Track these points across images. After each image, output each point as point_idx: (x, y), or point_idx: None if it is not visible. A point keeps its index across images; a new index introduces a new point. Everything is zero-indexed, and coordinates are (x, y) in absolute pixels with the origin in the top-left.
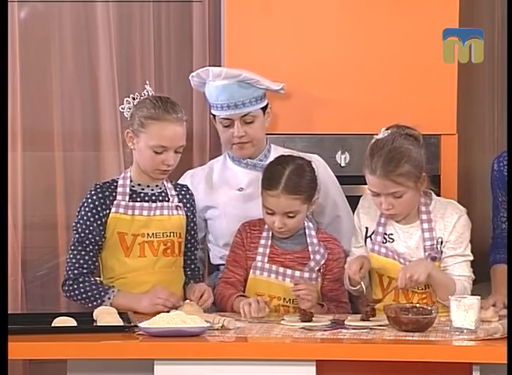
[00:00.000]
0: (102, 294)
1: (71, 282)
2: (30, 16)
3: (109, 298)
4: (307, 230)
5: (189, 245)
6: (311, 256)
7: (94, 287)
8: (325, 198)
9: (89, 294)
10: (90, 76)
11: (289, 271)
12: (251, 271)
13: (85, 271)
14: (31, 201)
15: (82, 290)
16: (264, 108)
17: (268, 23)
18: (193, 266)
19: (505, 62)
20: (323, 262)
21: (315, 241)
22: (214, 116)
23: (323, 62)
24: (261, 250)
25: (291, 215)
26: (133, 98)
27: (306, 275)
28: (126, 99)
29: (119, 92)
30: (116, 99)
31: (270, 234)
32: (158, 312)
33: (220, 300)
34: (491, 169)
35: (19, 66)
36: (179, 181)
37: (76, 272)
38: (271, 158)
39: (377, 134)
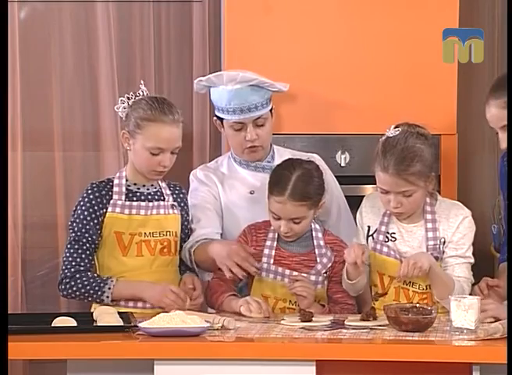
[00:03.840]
0: (102, 285)
1: (68, 280)
2: (30, 16)
3: (109, 288)
4: (313, 233)
5: (183, 244)
6: (318, 259)
7: (91, 280)
8: (329, 197)
9: (88, 287)
10: (90, 76)
11: (295, 273)
12: None
13: (82, 268)
14: (31, 201)
15: (80, 285)
16: (270, 110)
17: (268, 23)
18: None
19: (505, 62)
20: (330, 264)
21: (322, 243)
22: (221, 120)
23: (323, 62)
24: (266, 251)
25: (297, 220)
26: (128, 98)
27: (312, 278)
28: (120, 99)
29: (118, 92)
30: (116, 99)
31: (276, 236)
32: (162, 308)
33: (211, 295)
34: (499, 168)
35: (19, 66)
36: (197, 177)
37: (72, 270)
38: (277, 159)
39: (378, 134)
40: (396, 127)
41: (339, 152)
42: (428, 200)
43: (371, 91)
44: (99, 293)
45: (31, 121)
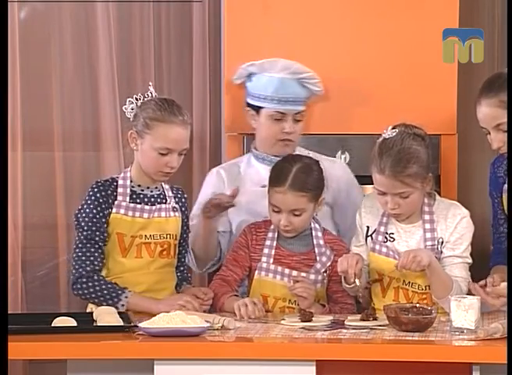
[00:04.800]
0: (119, 292)
1: (84, 280)
2: (30, 16)
3: (126, 297)
4: (313, 232)
5: (180, 248)
6: (317, 258)
7: (109, 285)
8: (346, 200)
9: (105, 292)
10: (90, 76)
11: (294, 273)
12: (256, 272)
13: (97, 268)
14: (31, 201)
15: (97, 288)
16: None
17: (268, 23)
18: (182, 268)
19: (505, 62)
20: (329, 263)
21: (322, 242)
22: (256, 110)
23: (322, 62)
24: (266, 251)
25: (297, 213)
26: (137, 99)
27: (312, 277)
28: (128, 100)
29: (119, 92)
30: (116, 99)
31: (276, 235)
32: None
33: (213, 297)
34: (489, 174)
35: (19, 66)
36: (207, 178)
37: (88, 269)
38: None
39: (378, 134)
40: (393, 128)
41: (339, 152)
42: (426, 200)
43: (371, 91)
44: (115, 300)
45: (31, 121)
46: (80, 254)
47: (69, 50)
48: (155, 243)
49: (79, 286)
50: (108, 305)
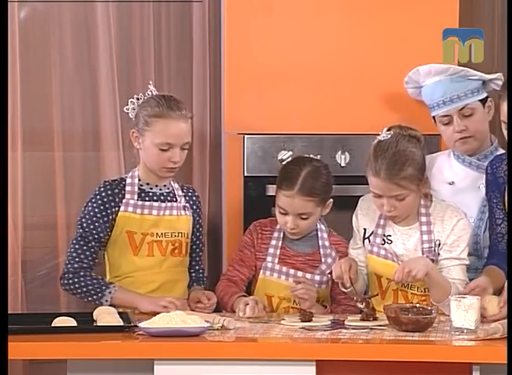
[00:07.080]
0: (104, 288)
1: (71, 275)
2: (30, 16)
3: (110, 293)
4: (319, 233)
5: (194, 246)
6: (323, 259)
7: (94, 281)
8: None
9: (89, 287)
10: (90, 76)
11: (299, 273)
12: (261, 271)
13: (85, 265)
14: (31, 201)
15: (82, 283)
16: (484, 101)
17: (268, 23)
18: (197, 267)
19: (505, 62)
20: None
21: (327, 243)
22: (434, 119)
23: (323, 62)
24: (271, 251)
25: (304, 216)
26: (137, 99)
27: (317, 278)
28: (130, 100)
29: (119, 92)
30: (116, 99)
31: (281, 235)
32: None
33: (221, 297)
34: (485, 175)
35: (19, 66)
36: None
37: (76, 266)
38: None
39: (378, 134)
40: (388, 130)
41: (339, 152)
42: (422, 202)
43: (371, 91)
44: (99, 295)
45: (31, 121)
46: (72, 250)
47: (69, 50)
48: (167, 241)
49: (65, 281)
50: (92, 300)
